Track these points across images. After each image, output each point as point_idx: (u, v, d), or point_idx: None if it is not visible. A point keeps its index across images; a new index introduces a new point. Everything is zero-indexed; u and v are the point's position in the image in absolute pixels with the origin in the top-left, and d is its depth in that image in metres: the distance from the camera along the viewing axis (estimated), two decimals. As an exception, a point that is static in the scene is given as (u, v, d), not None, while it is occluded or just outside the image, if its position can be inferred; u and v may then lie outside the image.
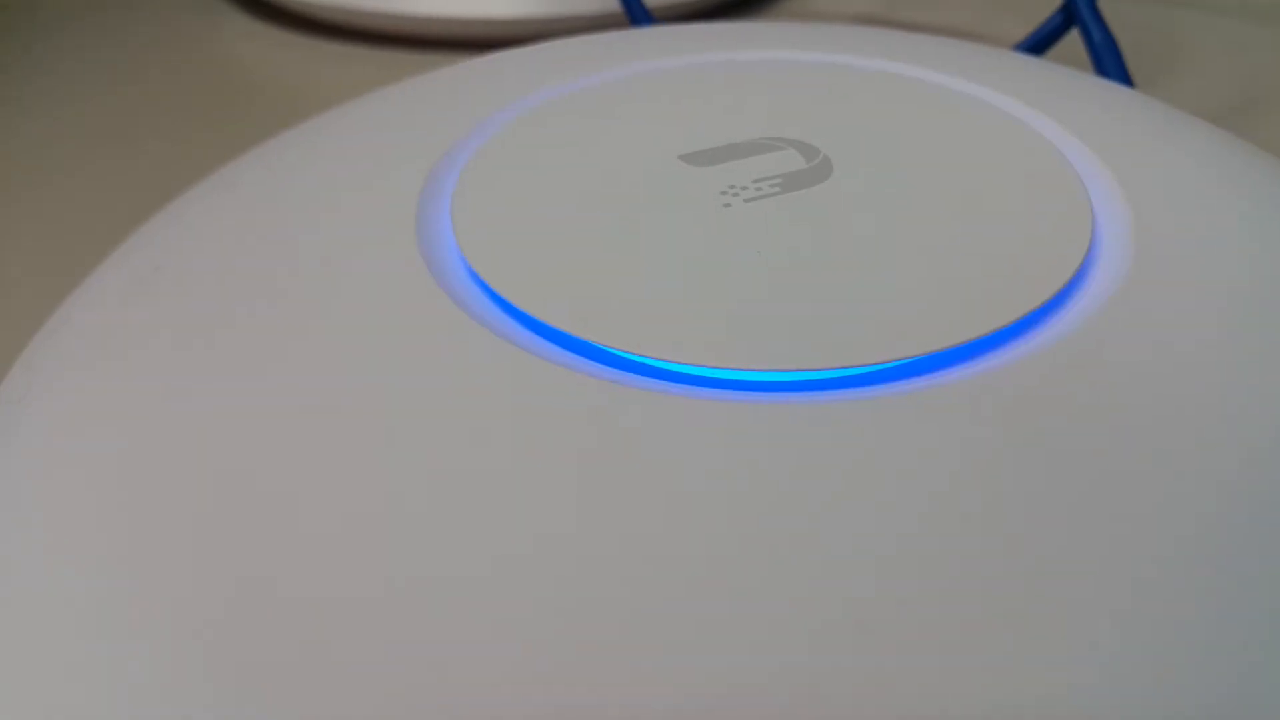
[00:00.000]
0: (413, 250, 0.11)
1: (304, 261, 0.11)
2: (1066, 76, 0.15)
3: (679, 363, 0.10)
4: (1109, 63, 0.20)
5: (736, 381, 0.10)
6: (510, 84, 0.14)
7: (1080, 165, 0.12)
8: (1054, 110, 0.13)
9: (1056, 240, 0.11)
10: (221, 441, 0.09)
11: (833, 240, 0.11)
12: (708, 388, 0.09)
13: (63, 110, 0.23)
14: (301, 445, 0.09)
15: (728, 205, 0.11)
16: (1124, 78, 0.20)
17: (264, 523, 0.09)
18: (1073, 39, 0.21)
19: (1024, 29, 0.25)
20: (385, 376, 0.10)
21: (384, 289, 0.10)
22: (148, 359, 0.11)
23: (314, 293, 0.11)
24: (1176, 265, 0.11)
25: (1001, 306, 0.10)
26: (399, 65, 0.25)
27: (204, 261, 0.12)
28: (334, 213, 0.11)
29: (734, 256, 0.11)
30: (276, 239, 0.11)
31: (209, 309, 0.11)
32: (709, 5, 0.27)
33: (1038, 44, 0.21)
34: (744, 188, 0.12)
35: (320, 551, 0.08)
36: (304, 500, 0.09)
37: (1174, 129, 0.14)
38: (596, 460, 0.09)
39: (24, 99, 0.24)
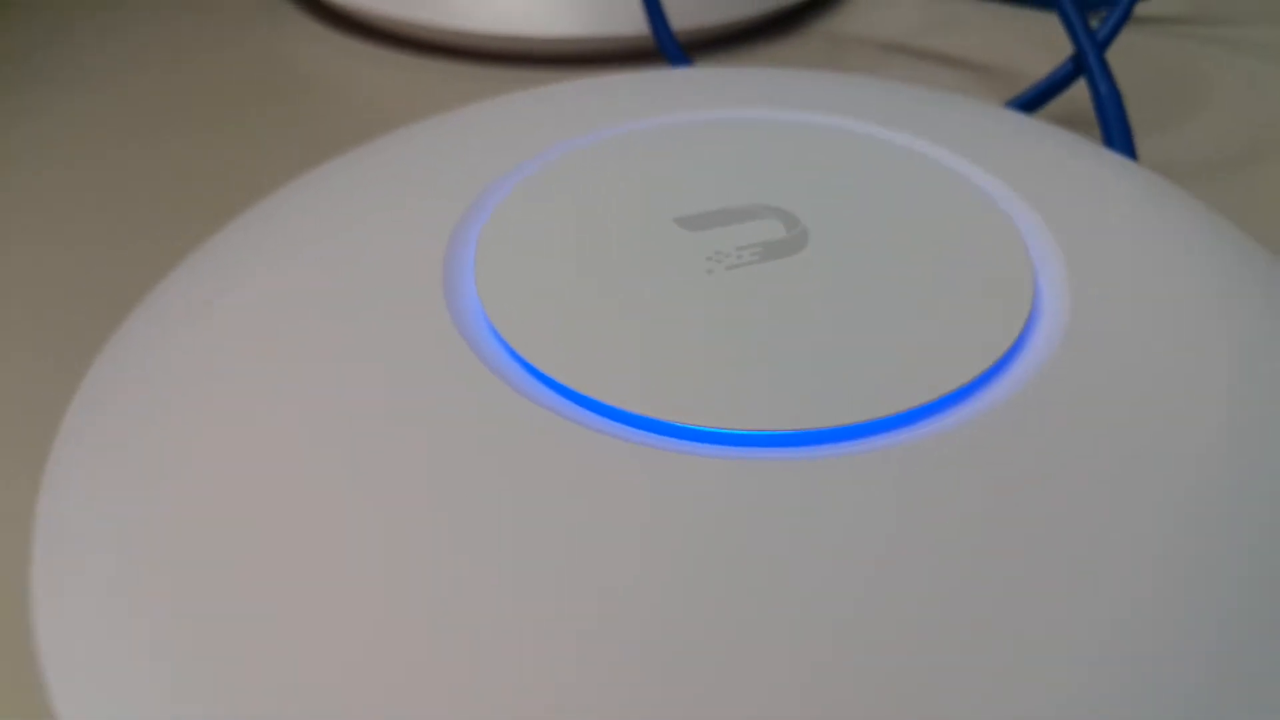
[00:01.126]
0: (442, 309, 0.12)
1: (337, 316, 0.12)
2: (1025, 134, 0.16)
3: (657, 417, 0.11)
4: (1111, 114, 0.21)
5: (698, 433, 0.11)
6: (529, 134, 0.15)
7: (1027, 230, 0.14)
8: (1007, 172, 0.15)
9: (1001, 307, 0.12)
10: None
11: (801, 312, 0.12)
12: (668, 437, 0.11)
13: (116, 105, 0.25)
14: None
15: (710, 272, 0.13)
16: (1125, 131, 0.21)
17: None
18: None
19: (1044, 59, 0.26)
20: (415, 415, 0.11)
21: (415, 346, 0.12)
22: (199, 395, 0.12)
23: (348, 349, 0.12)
24: (1108, 330, 0.12)
25: (950, 372, 0.11)
26: (452, 76, 0.26)
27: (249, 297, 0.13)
28: (364, 274, 0.13)
29: (708, 325, 0.12)
30: (310, 294, 0.13)
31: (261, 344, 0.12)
32: (739, 27, 0.28)
33: (1047, 90, 0.22)
34: (727, 254, 0.13)
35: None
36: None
37: (1125, 190, 0.15)
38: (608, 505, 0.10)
39: (88, 98, 0.25)
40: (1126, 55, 0.27)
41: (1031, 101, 0.22)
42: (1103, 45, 0.22)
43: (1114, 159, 0.16)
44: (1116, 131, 0.21)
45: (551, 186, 0.14)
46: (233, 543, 0.11)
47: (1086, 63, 0.21)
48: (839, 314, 0.12)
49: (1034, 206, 0.14)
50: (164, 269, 0.17)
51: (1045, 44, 0.28)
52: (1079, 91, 0.22)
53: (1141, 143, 0.23)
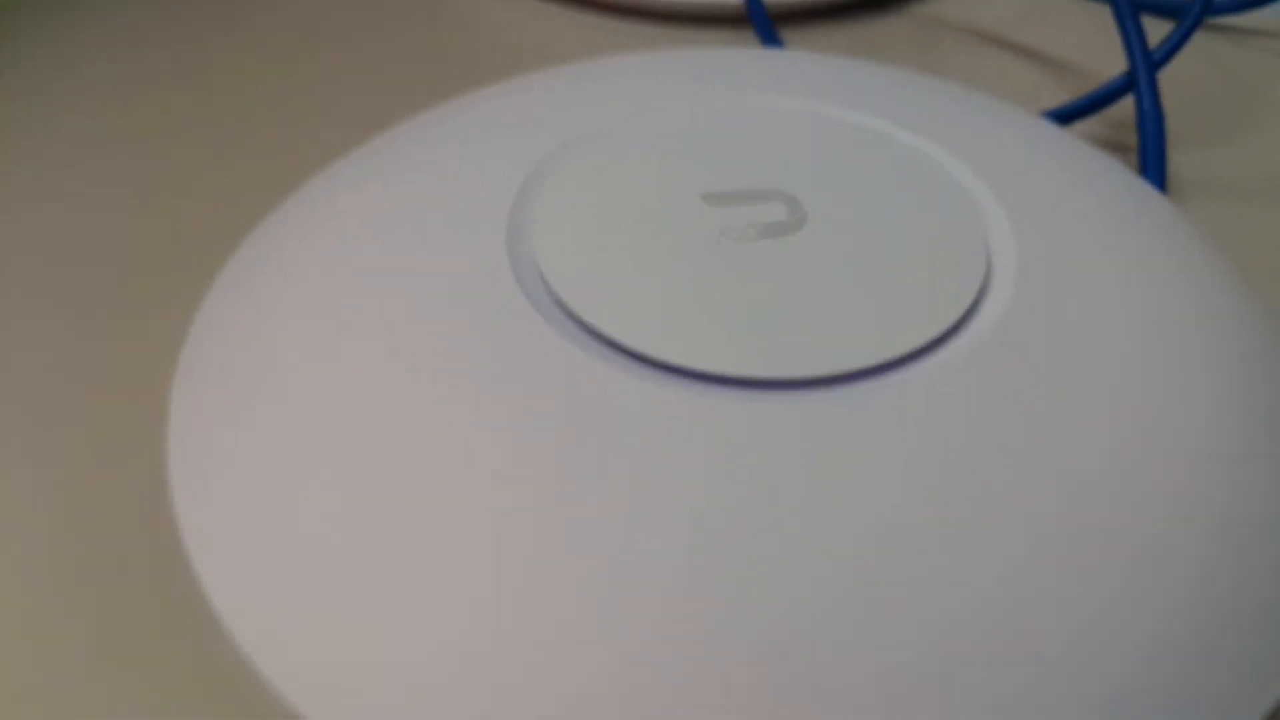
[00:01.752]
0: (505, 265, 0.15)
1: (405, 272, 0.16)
2: (1020, 135, 0.19)
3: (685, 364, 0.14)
4: (1150, 132, 0.23)
5: (713, 377, 0.14)
6: (595, 106, 0.18)
7: (992, 217, 0.16)
8: (984, 168, 0.17)
9: (958, 273, 0.15)
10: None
11: (796, 283, 0.15)
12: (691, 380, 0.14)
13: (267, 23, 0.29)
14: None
15: (719, 243, 0.16)
16: (1160, 150, 0.22)
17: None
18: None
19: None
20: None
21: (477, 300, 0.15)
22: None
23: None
24: (1055, 294, 0.15)
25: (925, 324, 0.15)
26: (585, 26, 0.29)
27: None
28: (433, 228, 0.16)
29: (720, 289, 0.15)
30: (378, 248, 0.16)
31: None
32: (836, 3, 0.30)
33: (1101, 99, 0.24)
34: (737, 231, 0.16)
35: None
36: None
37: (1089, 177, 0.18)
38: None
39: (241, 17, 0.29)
40: (1204, 63, 0.28)
41: (1084, 108, 0.24)
42: (1157, 65, 0.24)
43: (1100, 163, 0.19)
44: (1151, 149, 0.22)
45: (608, 156, 0.17)
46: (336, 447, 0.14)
47: (1136, 78, 0.23)
48: (830, 287, 0.15)
49: (999, 196, 0.17)
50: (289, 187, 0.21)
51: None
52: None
53: (1196, 155, 0.25)
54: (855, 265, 0.15)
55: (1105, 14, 0.31)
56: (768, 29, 0.27)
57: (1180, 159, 0.25)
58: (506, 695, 0.12)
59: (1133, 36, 0.23)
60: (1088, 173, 0.18)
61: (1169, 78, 0.28)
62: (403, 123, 0.19)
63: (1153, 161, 0.22)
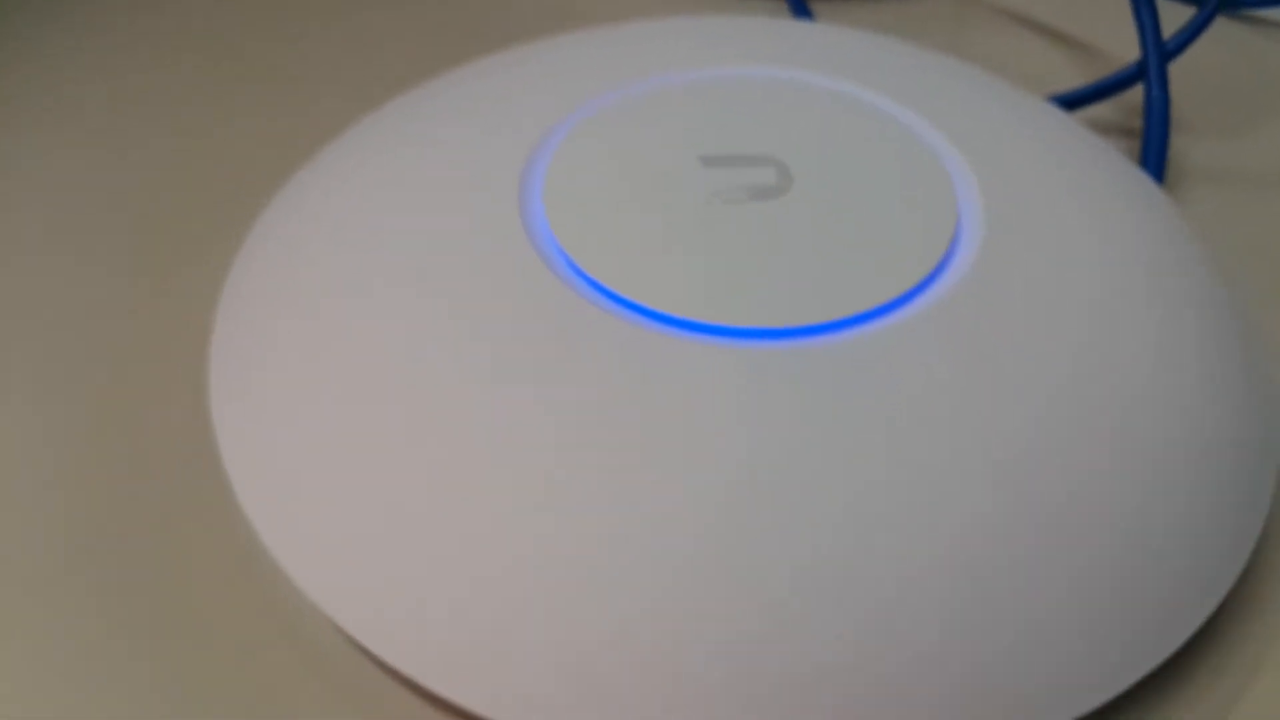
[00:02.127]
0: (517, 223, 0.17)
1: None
2: (990, 101, 0.20)
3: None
4: (1155, 118, 0.24)
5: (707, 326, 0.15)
6: (606, 71, 0.20)
7: (960, 180, 0.18)
8: (958, 135, 0.19)
9: (929, 231, 0.17)
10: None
11: (777, 243, 0.17)
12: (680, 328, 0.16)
13: None
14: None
15: (709, 203, 0.17)
16: (1163, 138, 0.23)
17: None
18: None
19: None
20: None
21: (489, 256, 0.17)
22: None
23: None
24: (1012, 258, 0.17)
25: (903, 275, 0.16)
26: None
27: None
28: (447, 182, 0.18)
29: (708, 245, 0.17)
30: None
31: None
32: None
33: (1112, 86, 0.25)
34: (727, 192, 0.17)
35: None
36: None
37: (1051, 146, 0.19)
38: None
39: None
40: (1226, 50, 0.29)
41: (1095, 93, 0.25)
42: (1169, 55, 0.24)
43: (1081, 140, 0.20)
44: (1154, 137, 0.23)
45: (617, 118, 0.19)
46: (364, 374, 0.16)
47: (1147, 67, 0.24)
48: (808, 244, 0.17)
49: (975, 169, 0.18)
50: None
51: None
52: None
53: (1207, 143, 0.25)
54: (833, 227, 0.17)
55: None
56: (802, 8, 0.28)
57: (1191, 146, 0.26)
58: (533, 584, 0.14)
59: (1147, 26, 0.24)
60: (1068, 150, 0.19)
61: (1187, 63, 0.28)
62: (430, 81, 0.21)
63: (1154, 149, 0.23)
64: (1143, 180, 0.20)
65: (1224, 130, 0.26)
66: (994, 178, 0.18)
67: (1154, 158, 0.23)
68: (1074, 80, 0.28)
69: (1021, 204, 0.17)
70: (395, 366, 0.16)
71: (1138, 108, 0.26)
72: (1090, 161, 0.19)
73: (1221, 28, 0.30)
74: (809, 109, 0.19)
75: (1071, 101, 0.25)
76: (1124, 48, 0.29)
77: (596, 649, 0.14)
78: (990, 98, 0.20)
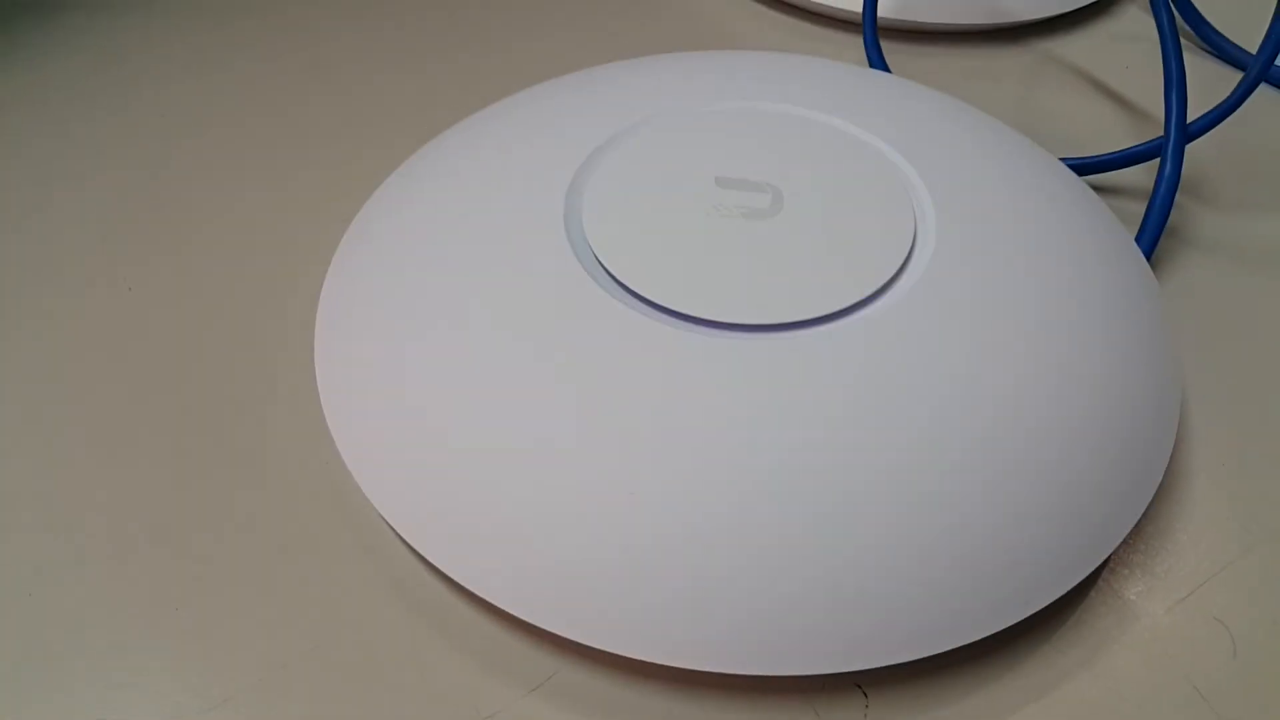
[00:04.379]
0: (560, 230, 0.21)
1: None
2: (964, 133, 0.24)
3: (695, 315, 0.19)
4: (1162, 194, 0.26)
5: (707, 321, 0.19)
6: (636, 101, 0.24)
7: (922, 209, 0.22)
8: (926, 167, 0.22)
9: (892, 244, 0.21)
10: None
11: (763, 255, 0.21)
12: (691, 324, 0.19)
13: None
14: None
15: (709, 216, 0.21)
16: (1164, 213, 0.26)
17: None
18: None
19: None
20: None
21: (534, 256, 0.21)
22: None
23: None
24: (968, 252, 0.20)
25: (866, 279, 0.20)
26: (786, 29, 0.35)
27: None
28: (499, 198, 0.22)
29: (711, 254, 0.21)
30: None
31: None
32: (969, 28, 0.34)
33: (1132, 157, 0.27)
34: (729, 208, 0.21)
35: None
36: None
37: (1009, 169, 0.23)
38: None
39: None
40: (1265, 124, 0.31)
41: (1114, 162, 0.28)
42: (1191, 135, 0.27)
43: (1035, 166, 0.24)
44: (1156, 212, 0.26)
45: (650, 140, 0.23)
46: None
47: (1167, 143, 0.26)
48: (794, 258, 0.20)
49: (940, 207, 0.21)
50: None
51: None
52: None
53: (1216, 214, 0.28)
54: (807, 245, 0.21)
55: (1215, 70, 0.33)
56: (877, 53, 0.32)
57: (1205, 215, 0.28)
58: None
59: (1173, 109, 0.27)
60: (1045, 198, 0.22)
61: (1226, 131, 0.30)
62: (492, 106, 0.26)
63: (1154, 219, 0.26)
64: (1092, 203, 0.23)
65: (1241, 204, 0.28)
66: (955, 213, 0.21)
67: (1153, 226, 0.26)
68: (1112, 143, 0.30)
69: (973, 236, 0.21)
70: (456, 344, 0.20)
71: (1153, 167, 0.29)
72: (1044, 191, 0.22)
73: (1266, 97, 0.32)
74: (817, 144, 0.23)
75: (1090, 166, 0.28)
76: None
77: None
78: (985, 147, 0.24)
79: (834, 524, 0.17)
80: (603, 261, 0.20)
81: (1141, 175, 0.29)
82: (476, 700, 0.18)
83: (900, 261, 0.20)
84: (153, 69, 0.32)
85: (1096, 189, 0.28)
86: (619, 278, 0.20)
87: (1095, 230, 0.22)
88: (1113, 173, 0.29)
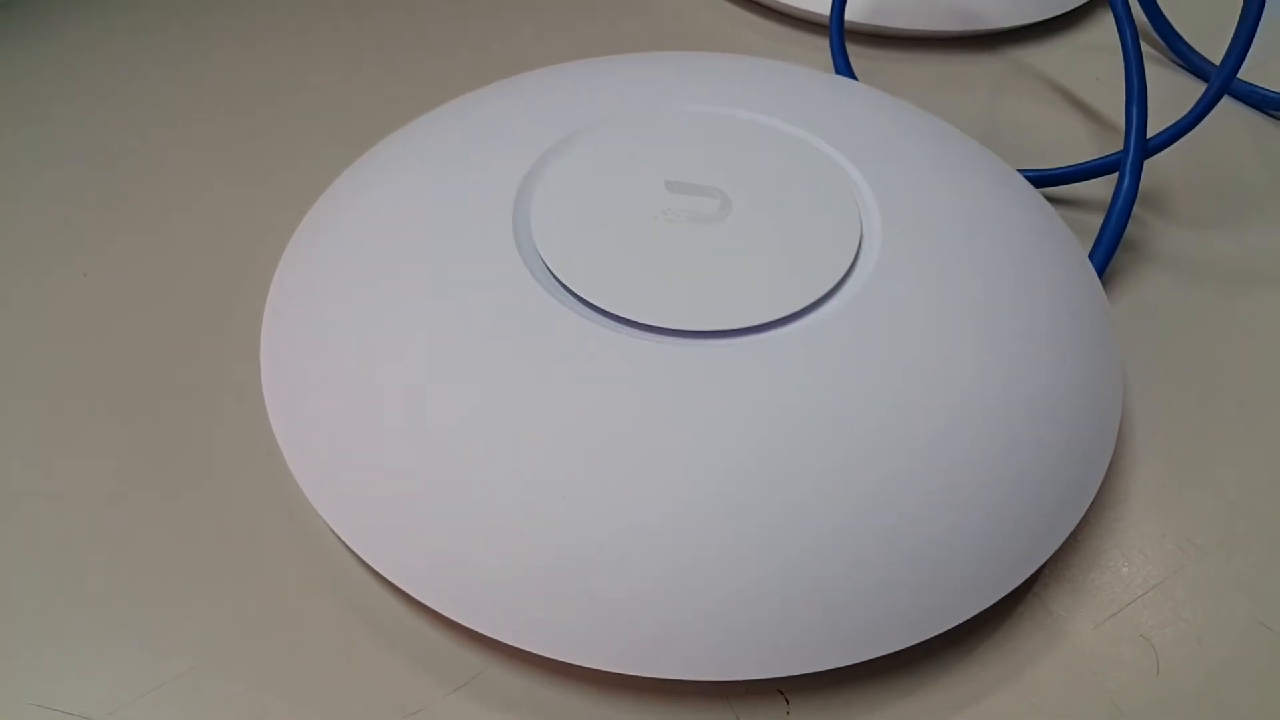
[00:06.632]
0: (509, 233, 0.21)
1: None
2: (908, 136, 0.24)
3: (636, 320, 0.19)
4: (1119, 208, 0.26)
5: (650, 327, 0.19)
6: (593, 102, 0.24)
7: (868, 214, 0.22)
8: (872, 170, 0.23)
9: (833, 247, 0.21)
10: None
11: (708, 261, 0.21)
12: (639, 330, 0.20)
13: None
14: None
15: (657, 220, 0.21)
16: (1121, 225, 0.26)
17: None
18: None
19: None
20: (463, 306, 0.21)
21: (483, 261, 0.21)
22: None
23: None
24: (913, 262, 0.21)
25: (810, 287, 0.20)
26: (769, 34, 0.35)
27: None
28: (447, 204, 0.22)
29: (657, 259, 0.21)
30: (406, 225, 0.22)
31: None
32: (940, 35, 0.34)
33: (1091, 171, 0.27)
34: (676, 213, 0.21)
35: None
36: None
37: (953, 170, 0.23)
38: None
39: None
40: (1226, 134, 0.31)
41: (1073, 175, 0.28)
42: (1151, 150, 0.27)
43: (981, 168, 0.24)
44: (1112, 225, 0.26)
45: (603, 142, 0.23)
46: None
47: (1125, 158, 0.27)
48: (739, 262, 0.20)
49: (884, 211, 0.22)
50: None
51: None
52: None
53: (1178, 230, 0.28)
54: (752, 251, 0.21)
55: (1185, 84, 0.33)
56: (843, 58, 0.32)
57: (1163, 230, 0.28)
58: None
59: (1133, 123, 0.27)
60: (996, 209, 0.23)
61: (1189, 145, 0.30)
62: (451, 102, 0.25)
63: (1110, 232, 0.26)
64: (1038, 203, 0.24)
65: (1202, 220, 0.29)
66: (899, 214, 0.22)
67: (1108, 241, 0.26)
68: (1077, 153, 0.30)
69: (917, 240, 0.21)
70: (392, 343, 0.20)
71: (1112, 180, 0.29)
72: (996, 202, 0.23)
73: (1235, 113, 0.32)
74: (766, 148, 0.23)
75: (1050, 179, 0.28)
76: (1150, 131, 0.31)
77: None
78: (930, 152, 0.24)
79: (760, 532, 0.18)
80: (548, 264, 0.20)
81: (1104, 188, 0.29)
82: (403, 697, 0.18)
83: (844, 270, 0.20)
84: (115, 60, 0.32)
85: (1059, 201, 0.29)
86: (563, 280, 0.20)
87: (1044, 245, 0.23)
88: (1076, 185, 0.29)
